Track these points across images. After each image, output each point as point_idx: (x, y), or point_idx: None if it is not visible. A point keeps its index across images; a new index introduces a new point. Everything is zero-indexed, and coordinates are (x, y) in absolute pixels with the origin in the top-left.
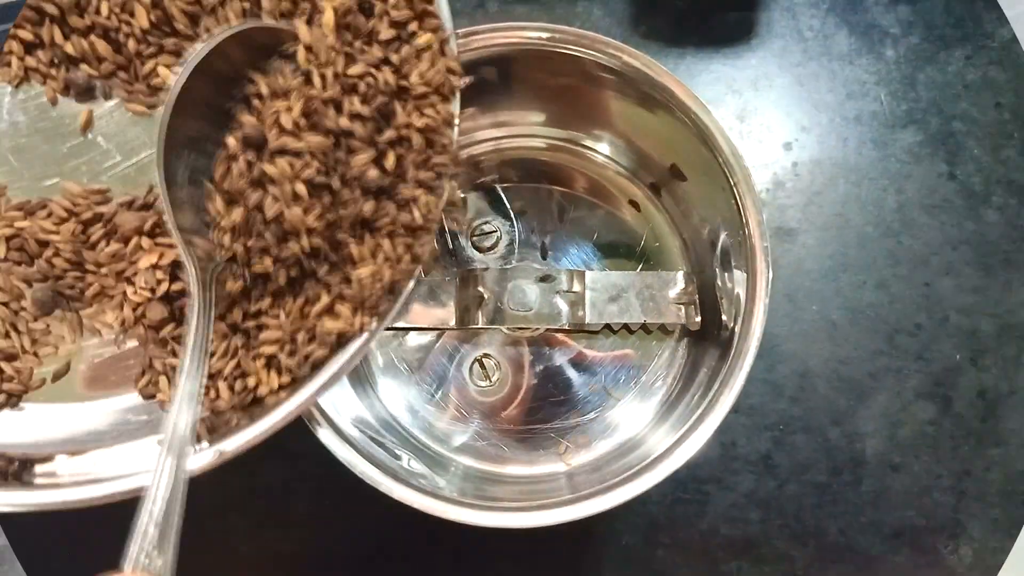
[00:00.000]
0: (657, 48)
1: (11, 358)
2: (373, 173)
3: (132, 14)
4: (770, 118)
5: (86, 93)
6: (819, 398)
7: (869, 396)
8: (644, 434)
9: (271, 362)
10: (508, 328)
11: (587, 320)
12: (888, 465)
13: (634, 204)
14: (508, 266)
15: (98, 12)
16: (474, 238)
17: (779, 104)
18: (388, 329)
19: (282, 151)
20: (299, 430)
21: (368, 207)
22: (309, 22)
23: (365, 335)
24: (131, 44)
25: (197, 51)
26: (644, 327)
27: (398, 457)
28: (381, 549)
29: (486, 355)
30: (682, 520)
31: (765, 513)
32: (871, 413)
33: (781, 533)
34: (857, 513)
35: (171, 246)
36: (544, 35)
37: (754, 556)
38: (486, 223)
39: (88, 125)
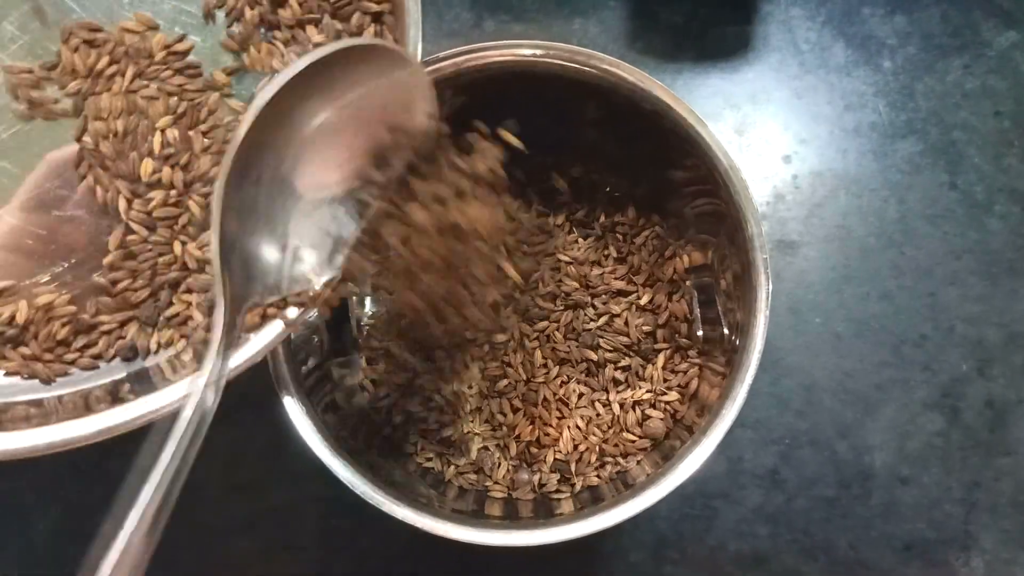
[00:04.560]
0: (654, 64)
1: None
2: None
3: None
4: (769, 131)
5: None
6: (825, 411)
7: (876, 408)
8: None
9: None
10: None
11: None
12: (897, 478)
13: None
14: None
15: None
16: None
17: (777, 117)
18: None
19: None
20: (305, 452)
21: None
22: None
23: None
24: None
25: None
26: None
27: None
28: (389, 570)
29: None
30: (690, 536)
31: (774, 528)
32: (878, 425)
33: (790, 548)
34: (867, 527)
35: None
36: (539, 52)
37: (764, 571)
38: None
39: None
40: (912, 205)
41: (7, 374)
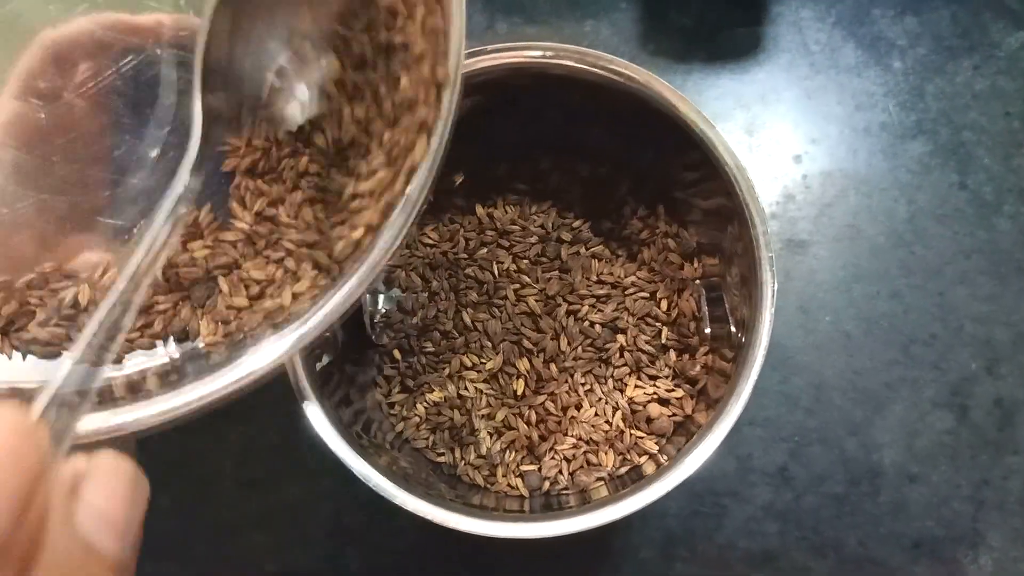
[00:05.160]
0: (665, 65)
1: None
2: None
3: None
4: (779, 131)
5: None
6: (835, 409)
7: (885, 406)
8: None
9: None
10: None
11: None
12: (906, 475)
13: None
14: None
15: None
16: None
17: (788, 117)
18: None
19: None
20: (318, 448)
21: None
22: None
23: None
24: None
25: None
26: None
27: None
28: (401, 566)
29: None
30: (700, 533)
31: (783, 525)
32: (887, 424)
33: (800, 545)
34: (876, 524)
35: None
36: (547, 53)
37: (773, 569)
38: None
39: None
40: (922, 205)
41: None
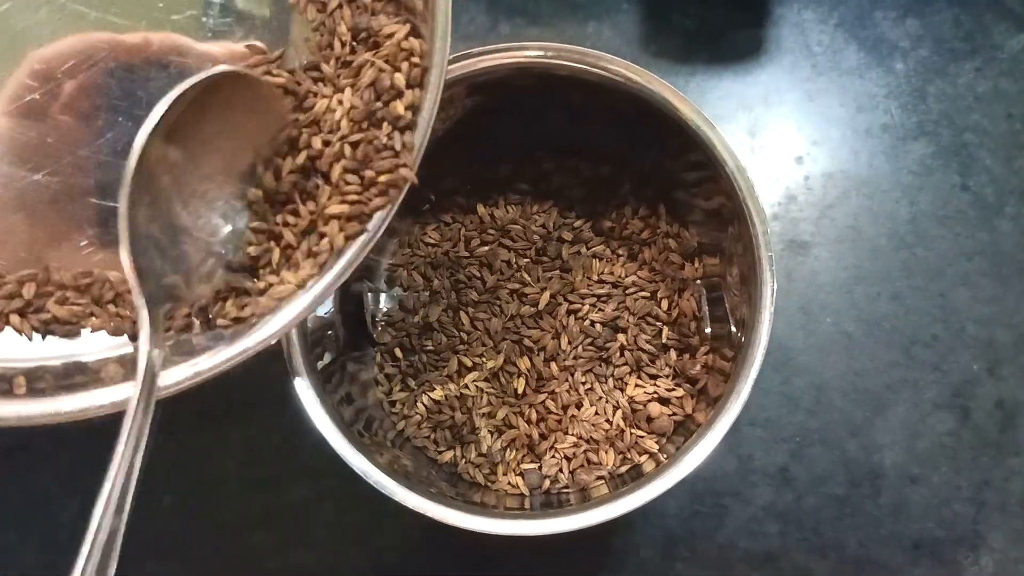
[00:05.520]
0: (667, 67)
1: None
2: None
3: None
4: (781, 133)
5: None
6: (836, 410)
7: (886, 408)
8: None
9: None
10: None
11: None
12: (907, 477)
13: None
14: None
15: None
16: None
17: (790, 119)
18: None
19: None
20: (320, 448)
21: None
22: None
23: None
24: None
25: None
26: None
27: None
28: (403, 566)
29: None
30: (700, 533)
31: (784, 526)
32: (889, 425)
33: (800, 546)
34: (876, 525)
35: None
36: (547, 53)
37: (774, 569)
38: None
39: None
40: (923, 206)
41: (93, 330)
